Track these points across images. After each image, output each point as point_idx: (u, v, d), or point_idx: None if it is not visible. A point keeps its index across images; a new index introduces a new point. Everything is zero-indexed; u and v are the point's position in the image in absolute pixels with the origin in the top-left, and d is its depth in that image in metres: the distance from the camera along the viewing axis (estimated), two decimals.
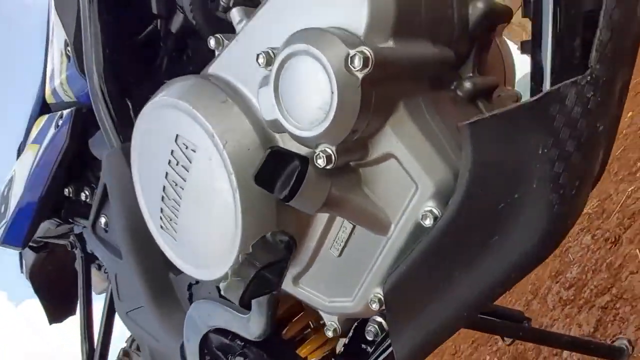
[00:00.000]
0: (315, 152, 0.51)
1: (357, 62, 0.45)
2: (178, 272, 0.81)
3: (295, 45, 0.48)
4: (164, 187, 0.68)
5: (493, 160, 0.48)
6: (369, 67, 0.45)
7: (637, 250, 1.67)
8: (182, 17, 0.87)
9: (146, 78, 0.93)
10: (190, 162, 0.62)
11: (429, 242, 0.53)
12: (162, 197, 0.69)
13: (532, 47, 0.50)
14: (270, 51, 0.53)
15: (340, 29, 0.49)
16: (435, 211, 0.53)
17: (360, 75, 0.45)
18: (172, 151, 0.64)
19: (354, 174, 0.57)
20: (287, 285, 0.70)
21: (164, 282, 0.90)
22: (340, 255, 0.64)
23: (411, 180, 0.54)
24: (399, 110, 0.52)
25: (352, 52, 0.45)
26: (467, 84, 0.64)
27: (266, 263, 0.50)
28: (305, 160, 0.52)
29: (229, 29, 0.67)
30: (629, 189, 2.13)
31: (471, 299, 0.55)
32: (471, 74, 0.67)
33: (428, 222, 0.53)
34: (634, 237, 1.77)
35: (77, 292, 1.27)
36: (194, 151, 0.61)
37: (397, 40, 0.50)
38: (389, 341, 0.70)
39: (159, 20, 0.92)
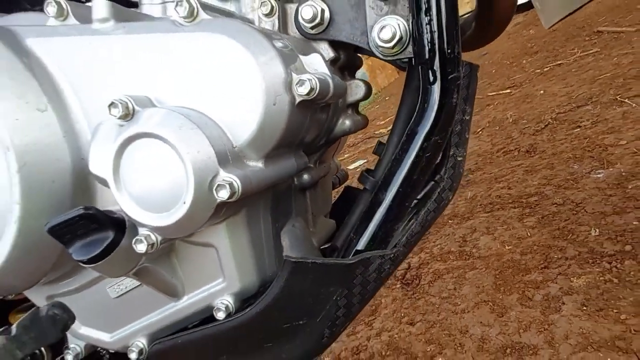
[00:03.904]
0: (137, 237, 0.45)
1: (223, 193, 0.42)
2: None
3: (166, 132, 0.41)
4: None
5: (299, 293, 0.53)
6: (233, 198, 0.42)
7: None
8: None
9: None
10: None
11: (217, 331, 0.55)
12: None
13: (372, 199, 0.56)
14: (129, 103, 0.43)
15: (219, 128, 0.44)
16: (231, 307, 0.55)
17: (218, 200, 0.42)
18: None
19: (167, 243, 0.53)
20: (38, 293, 0.61)
21: None
22: (116, 297, 0.60)
23: (221, 272, 0.55)
24: (240, 214, 0.52)
25: (220, 179, 0.42)
26: (305, 177, 0.67)
27: (37, 348, 0.43)
28: (121, 232, 0.46)
29: None
30: None
31: None
32: (312, 165, 0.70)
33: (221, 315, 0.55)
34: None
35: None
36: None
37: (268, 161, 0.48)
38: None
39: None
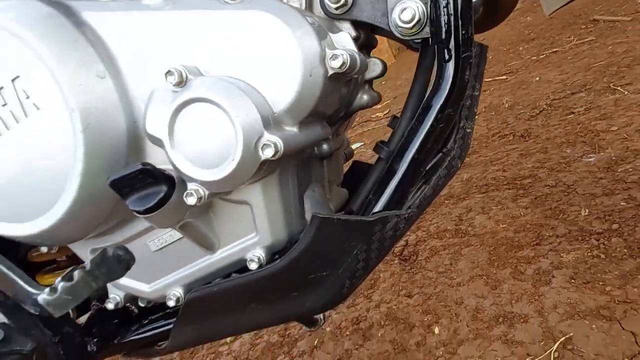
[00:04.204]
0: (188, 191, 0.52)
1: (268, 151, 0.48)
2: None
3: (218, 97, 0.47)
4: None
5: (324, 247, 0.60)
6: (275, 157, 0.48)
7: None
8: None
9: None
10: (27, 116, 0.52)
11: (249, 280, 0.62)
12: None
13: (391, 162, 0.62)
14: (183, 72, 0.49)
15: (261, 96, 0.50)
16: (262, 259, 0.62)
17: (263, 158, 0.48)
18: (0, 87, 0.52)
19: (212, 198, 0.59)
20: (84, 246, 0.68)
21: None
22: (156, 251, 0.66)
23: (254, 228, 0.61)
24: (274, 175, 0.58)
25: (265, 140, 0.48)
26: (325, 147, 0.73)
27: (102, 285, 0.49)
28: (172, 186, 0.52)
29: None
30: None
31: (249, 326, 0.68)
32: (330, 137, 0.76)
33: (253, 266, 0.62)
34: None
35: None
36: (36, 107, 0.51)
37: (301, 127, 0.54)
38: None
39: None
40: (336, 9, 0.64)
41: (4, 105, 0.51)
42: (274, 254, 0.64)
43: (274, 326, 1.62)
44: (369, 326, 1.64)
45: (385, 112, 5.03)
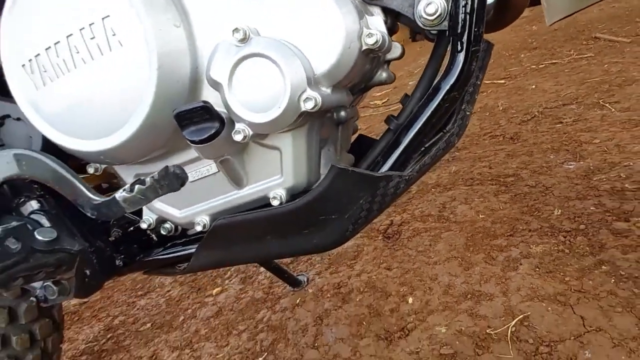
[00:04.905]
0: (234, 129, 0.63)
1: (309, 104, 0.59)
2: None
3: (275, 55, 0.58)
4: (58, 42, 0.64)
5: (336, 192, 0.72)
6: (313, 109, 0.60)
7: None
8: None
9: None
10: (110, 50, 0.62)
11: (269, 214, 0.73)
12: (48, 47, 0.65)
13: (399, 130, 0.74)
14: (248, 31, 0.60)
15: (306, 58, 0.61)
16: (283, 198, 0.74)
17: (303, 109, 0.60)
18: (92, 23, 0.62)
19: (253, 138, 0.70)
20: (129, 171, 0.78)
21: None
22: (192, 181, 0.77)
23: (280, 170, 0.73)
24: (303, 127, 0.69)
25: (307, 94, 0.59)
26: (342, 114, 0.85)
27: (166, 192, 0.60)
28: (223, 124, 0.63)
29: None
30: None
31: (262, 255, 0.80)
32: (347, 106, 0.88)
33: (275, 202, 0.73)
34: None
35: None
36: (120, 44, 0.61)
37: (333, 89, 0.65)
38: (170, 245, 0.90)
39: None
40: None
41: (92, 39, 0.61)
42: (292, 196, 0.76)
43: (284, 258, 1.74)
44: (348, 291, 1.78)
45: (383, 101, 5.13)
